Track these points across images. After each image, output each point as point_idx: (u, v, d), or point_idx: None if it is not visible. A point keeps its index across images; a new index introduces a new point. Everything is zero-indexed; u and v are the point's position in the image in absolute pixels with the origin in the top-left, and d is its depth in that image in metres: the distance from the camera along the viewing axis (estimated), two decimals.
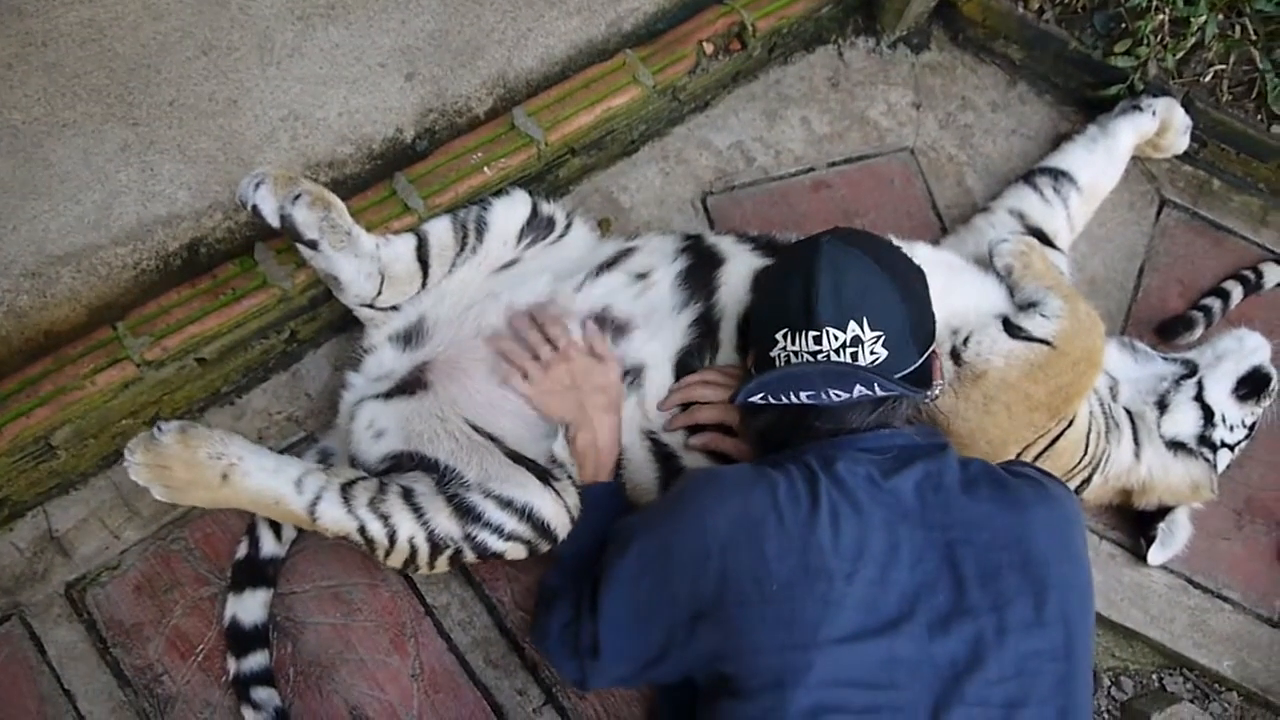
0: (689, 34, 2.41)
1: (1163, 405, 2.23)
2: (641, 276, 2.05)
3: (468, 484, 1.89)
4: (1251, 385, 2.24)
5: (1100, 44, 2.61)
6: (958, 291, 2.06)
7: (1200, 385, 2.23)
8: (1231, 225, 2.66)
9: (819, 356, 1.63)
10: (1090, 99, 2.66)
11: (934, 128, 2.67)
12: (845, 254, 1.69)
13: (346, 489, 1.88)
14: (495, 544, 1.87)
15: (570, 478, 1.93)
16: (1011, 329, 2.00)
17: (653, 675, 1.74)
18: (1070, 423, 2.04)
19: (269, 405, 2.21)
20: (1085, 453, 2.09)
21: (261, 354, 2.17)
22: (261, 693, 1.96)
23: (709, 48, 2.42)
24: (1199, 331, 2.45)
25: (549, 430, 1.98)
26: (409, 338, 2.06)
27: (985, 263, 2.21)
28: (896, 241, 1.86)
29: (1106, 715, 2.29)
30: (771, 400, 1.68)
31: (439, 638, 2.09)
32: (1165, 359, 2.30)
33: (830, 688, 1.52)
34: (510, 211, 2.10)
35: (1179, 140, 2.59)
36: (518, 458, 1.93)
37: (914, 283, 1.75)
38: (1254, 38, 2.58)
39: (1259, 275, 2.56)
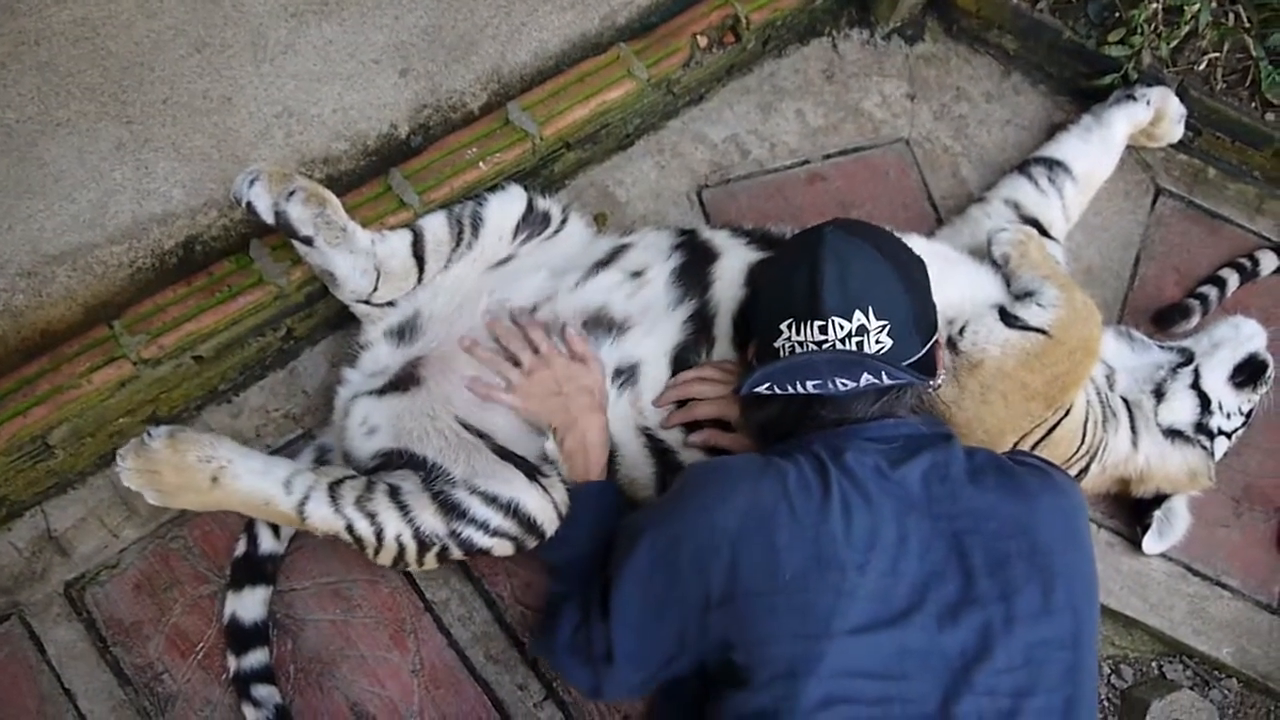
0: (683, 27, 2.41)
1: (1160, 393, 2.23)
2: (637, 274, 2.05)
3: (454, 481, 1.89)
4: (1248, 372, 2.24)
5: (1094, 33, 2.61)
6: (953, 282, 2.06)
7: (1197, 373, 2.23)
8: (1227, 213, 2.66)
9: (824, 346, 1.63)
10: (1085, 89, 2.66)
11: (929, 119, 2.67)
12: (849, 244, 1.70)
13: (334, 488, 1.89)
14: (481, 540, 1.87)
15: (559, 474, 1.93)
16: (1008, 318, 2.01)
17: (665, 675, 1.73)
18: (1067, 412, 2.05)
19: (266, 403, 2.21)
20: (1082, 442, 2.09)
21: (258, 351, 2.17)
22: (262, 690, 1.96)
23: (703, 41, 2.41)
24: (1195, 319, 2.45)
25: (537, 426, 1.98)
26: (403, 333, 2.06)
27: (981, 253, 2.21)
28: None
29: (1107, 703, 2.29)
30: (777, 390, 1.68)
31: (439, 633, 2.09)
32: (1162, 347, 2.31)
33: (842, 678, 1.52)
34: (506, 207, 2.09)
35: (1174, 129, 2.58)
36: (506, 454, 1.93)
37: (916, 272, 1.76)
38: (1248, 25, 2.58)
39: (1255, 263, 2.56)
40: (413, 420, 1.97)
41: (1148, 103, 2.51)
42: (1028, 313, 2.01)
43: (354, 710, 2.01)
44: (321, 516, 1.86)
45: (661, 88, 2.43)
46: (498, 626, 2.11)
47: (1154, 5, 2.54)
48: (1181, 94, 2.57)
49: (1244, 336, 2.27)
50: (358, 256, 1.96)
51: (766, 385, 1.68)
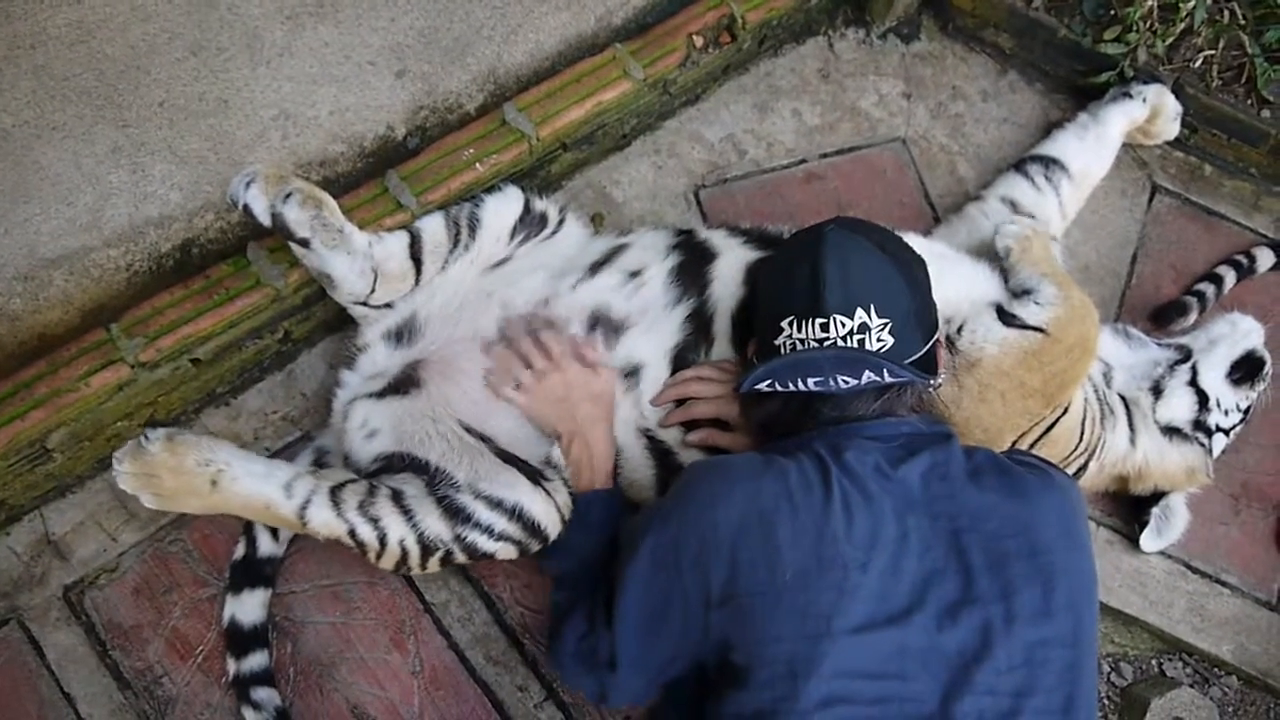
0: (679, 27, 2.41)
1: (1157, 391, 2.24)
2: (634, 274, 2.04)
3: (458, 485, 1.88)
4: (1245, 369, 2.24)
5: (1090, 31, 2.61)
6: (951, 280, 2.06)
7: (1194, 370, 2.23)
8: (1223, 210, 2.66)
9: (826, 344, 1.63)
10: (1081, 86, 2.66)
11: (925, 117, 2.67)
12: (850, 241, 1.70)
13: (336, 492, 1.88)
14: (486, 544, 1.87)
15: (563, 479, 1.93)
16: (1005, 316, 2.01)
17: (667, 677, 1.73)
18: (1065, 410, 2.05)
19: (264, 405, 2.20)
20: (1080, 440, 2.09)
21: (256, 354, 2.16)
22: (262, 693, 1.96)
23: (699, 41, 2.41)
24: (1193, 317, 2.46)
25: (543, 430, 1.98)
26: (401, 335, 2.05)
27: (978, 251, 2.21)
28: None
29: (1107, 701, 2.29)
30: (778, 387, 1.68)
31: (438, 635, 2.09)
32: (1159, 345, 2.31)
33: (842, 678, 1.51)
34: (503, 208, 2.09)
35: (1170, 127, 2.59)
36: (509, 458, 1.93)
37: (917, 271, 1.76)
38: (1243, 22, 2.58)
39: (1252, 260, 2.56)
40: (414, 423, 1.97)
41: (1144, 100, 2.51)
42: (1025, 311, 2.01)
43: (354, 712, 2.01)
44: (323, 521, 1.86)
45: (658, 88, 2.43)
46: (497, 628, 2.11)
47: (1149, 3, 2.54)
48: (1177, 91, 2.58)
49: (1241, 333, 2.27)
50: (355, 258, 1.96)
51: (768, 382, 1.68)
